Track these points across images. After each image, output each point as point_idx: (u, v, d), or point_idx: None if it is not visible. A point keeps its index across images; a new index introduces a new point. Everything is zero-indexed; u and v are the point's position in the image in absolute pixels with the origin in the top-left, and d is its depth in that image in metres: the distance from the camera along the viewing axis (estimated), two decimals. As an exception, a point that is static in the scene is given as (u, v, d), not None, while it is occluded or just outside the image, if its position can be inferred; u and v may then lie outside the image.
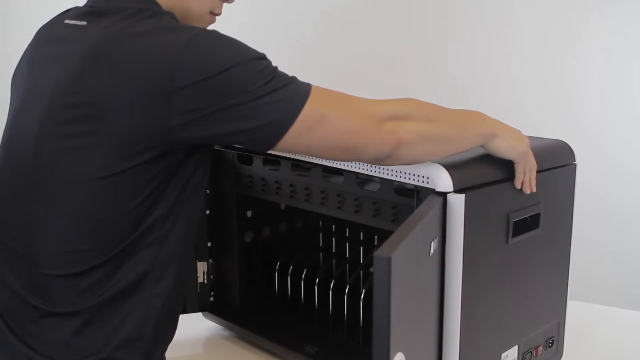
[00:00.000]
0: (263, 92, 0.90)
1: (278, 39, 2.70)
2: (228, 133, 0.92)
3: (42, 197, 0.96)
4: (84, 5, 1.03)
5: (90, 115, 0.91)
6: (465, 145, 1.03)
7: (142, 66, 0.89)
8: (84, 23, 0.98)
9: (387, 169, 1.07)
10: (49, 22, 1.08)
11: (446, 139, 1.00)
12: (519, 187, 1.08)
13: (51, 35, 1.03)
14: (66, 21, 1.01)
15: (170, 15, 0.99)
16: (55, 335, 0.96)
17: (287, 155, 1.23)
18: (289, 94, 0.92)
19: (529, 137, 1.27)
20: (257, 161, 1.34)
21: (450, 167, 1.00)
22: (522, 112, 2.51)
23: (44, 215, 0.96)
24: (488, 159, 1.09)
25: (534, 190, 1.10)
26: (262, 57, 0.94)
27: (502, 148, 1.05)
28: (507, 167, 1.08)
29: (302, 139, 0.93)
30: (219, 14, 1.11)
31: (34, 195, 0.96)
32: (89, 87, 0.91)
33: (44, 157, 0.95)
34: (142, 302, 0.99)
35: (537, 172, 1.12)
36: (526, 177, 1.08)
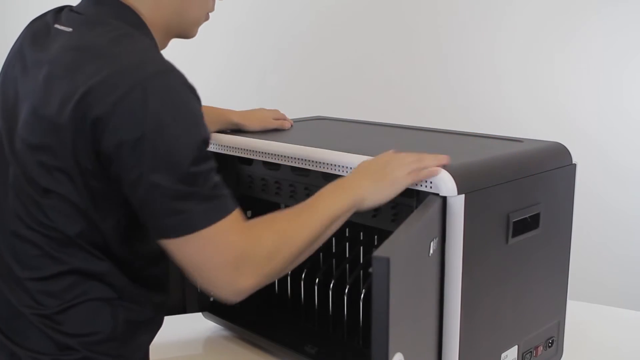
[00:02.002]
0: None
1: (275, 39, 2.70)
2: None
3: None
4: (75, 9, 1.02)
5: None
6: (335, 228, 0.99)
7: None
8: (70, 30, 0.99)
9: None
10: (42, 17, 1.06)
11: (308, 247, 0.97)
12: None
13: (38, 39, 1.02)
14: (56, 26, 1.01)
15: (147, 41, 0.98)
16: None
17: (288, 156, 1.23)
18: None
19: (527, 139, 1.28)
20: (257, 161, 1.34)
21: (454, 171, 1.00)
22: (522, 113, 2.52)
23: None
24: (488, 160, 1.09)
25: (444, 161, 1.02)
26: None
27: (375, 202, 1.01)
28: (507, 168, 1.09)
29: (180, 251, 0.91)
30: (212, 11, 1.12)
31: None
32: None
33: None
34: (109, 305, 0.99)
35: (537, 173, 1.12)
36: (424, 173, 1.01)
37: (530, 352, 1.19)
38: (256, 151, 1.29)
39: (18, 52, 1.05)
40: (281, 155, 1.24)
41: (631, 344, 1.43)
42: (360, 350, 1.30)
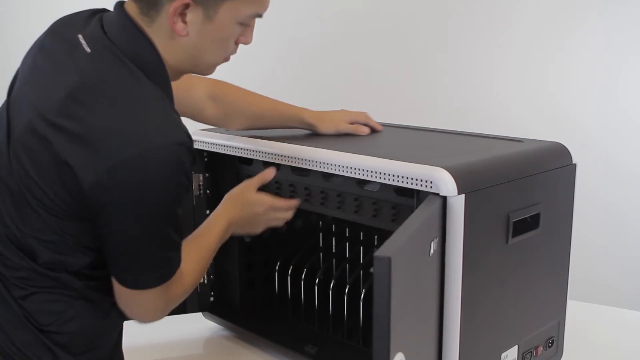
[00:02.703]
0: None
1: (276, 40, 2.70)
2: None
3: None
4: (104, 24, 0.99)
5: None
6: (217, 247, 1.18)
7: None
8: (89, 51, 0.96)
9: (388, 174, 1.06)
10: (68, 19, 1.04)
11: (203, 270, 1.15)
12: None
13: (58, 46, 1.00)
14: (79, 36, 0.98)
15: (152, 95, 0.96)
16: None
17: (288, 156, 1.23)
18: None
19: (527, 139, 1.28)
20: (257, 161, 1.34)
21: (453, 170, 1.00)
22: (521, 114, 2.52)
23: None
24: (488, 160, 1.09)
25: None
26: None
27: (238, 229, 1.24)
28: (507, 168, 1.09)
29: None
30: (234, 53, 1.09)
31: None
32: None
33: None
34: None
35: (537, 173, 1.12)
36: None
37: (530, 352, 1.19)
38: (256, 151, 1.29)
39: (39, 42, 1.03)
40: (281, 155, 1.24)
41: (631, 344, 1.43)
42: (360, 350, 1.30)
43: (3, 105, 1.03)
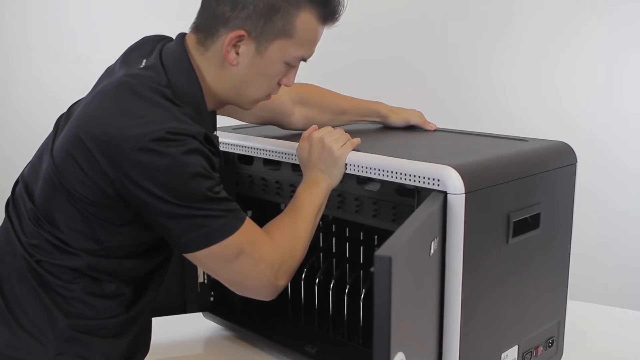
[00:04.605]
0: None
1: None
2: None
3: None
4: (161, 57, 1.05)
5: None
6: (320, 216, 1.15)
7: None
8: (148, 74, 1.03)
9: (391, 172, 1.07)
10: (139, 44, 1.12)
11: (310, 236, 1.12)
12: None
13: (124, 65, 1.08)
14: (143, 61, 1.06)
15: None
16: None
17: (288, 153, 1.23)
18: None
19: (532, 139, 1.28)
20: (258, 161, 1.34)
21: (460, 169, 1.00)
22: (523, 113, 2.52)
23: None
24: (489, 160, 1.09)
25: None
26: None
27: (337, 181, 1.16)
28: (508, 168, 1.09)
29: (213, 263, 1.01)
30: (276, 93, 1.14)
31: None
32: None
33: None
34: None
35: (538, 172, 1.12)
36: (355, 141, 1.18)
37: (531, 352, 1.19)
38: (257, 148, 1.29)
39: (111, 66, 1.12)
40: (282, 153, 1.24)
41: (631, 344, 1.43)
42: (360, 350, 1.30)
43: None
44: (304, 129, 1.24)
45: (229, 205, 0.99)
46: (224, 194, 0.99)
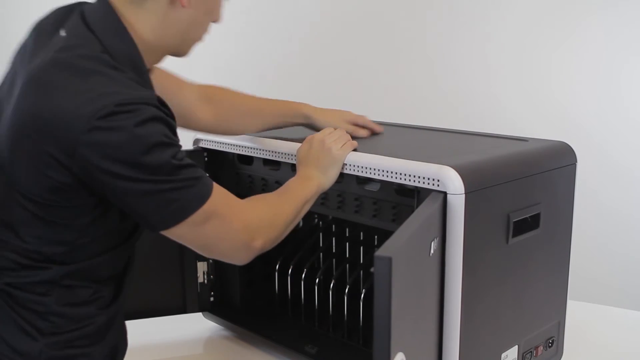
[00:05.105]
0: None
1: (273, 40, 2.70)
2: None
3: None
4: (85, 19, 0.97)
5: None
6: (305, 211, 1.12)
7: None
8: (64, 35, 0.96)
9: (391, 172, 1.06)
10: (49, 17, 1.03)
11: (292, 220, 1.09)
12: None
13: (40, 44, 0.99)
14: (61, 31, 0.98)
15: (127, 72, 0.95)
16: None
17: (288, 154, 1.23)
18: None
19: (532, 139, 1.28)
20: (258, 161, 1.34)
21: (460, 169, 1.00)
22: (521, 113, 2.52)
23: None
24: (489, 160, 1.09)
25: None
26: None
27: (331, 182, 1.15)
28: (508, 168, 1.08)
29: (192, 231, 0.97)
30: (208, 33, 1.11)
31: None
32: None
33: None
34: None
35: (538, 172, 1.12)
36: (354, 143, 1.19)
37: (531, 352, 1.19)
38: (256, 149, 1.29)
39: (22, 45, 1.03)
40: (281, 154, 1.24)
41: (631, 344, 1.43)
42: (360, 350, 1.30)
43: None
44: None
45: (195, 171, 0.94)
46: (187, 160, 0.93)
